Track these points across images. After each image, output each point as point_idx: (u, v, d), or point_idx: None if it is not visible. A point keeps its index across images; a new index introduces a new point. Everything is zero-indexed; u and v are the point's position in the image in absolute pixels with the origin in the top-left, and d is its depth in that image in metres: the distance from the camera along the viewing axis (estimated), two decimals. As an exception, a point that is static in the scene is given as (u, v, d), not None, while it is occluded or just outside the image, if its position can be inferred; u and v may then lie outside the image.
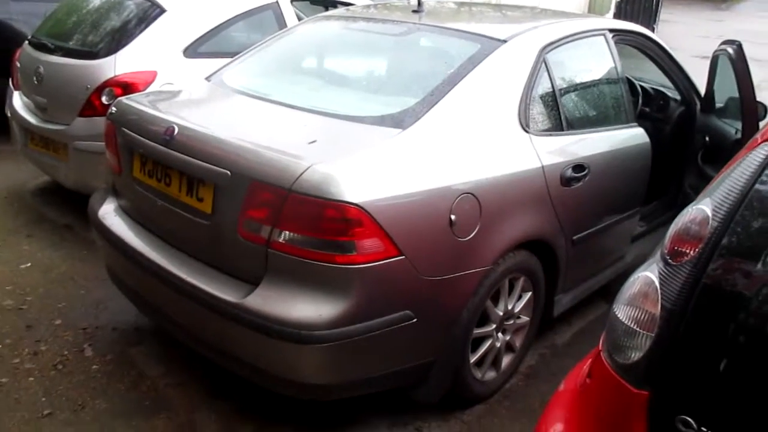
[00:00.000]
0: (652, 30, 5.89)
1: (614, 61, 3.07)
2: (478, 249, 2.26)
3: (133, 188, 2.52)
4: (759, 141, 1.51)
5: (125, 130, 2.50)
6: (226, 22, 4.13)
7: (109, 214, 2.65)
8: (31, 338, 2.86)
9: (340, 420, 2.46)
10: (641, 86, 3.96)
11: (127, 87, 3.62)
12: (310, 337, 1.97)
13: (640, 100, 3.87)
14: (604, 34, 3.08)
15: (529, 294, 2.65)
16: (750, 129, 3.25)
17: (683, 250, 1.36)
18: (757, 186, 1.37)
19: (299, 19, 4.40)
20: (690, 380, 1.29)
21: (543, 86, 2.65)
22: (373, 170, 2.07)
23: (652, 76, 3.96)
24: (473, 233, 2.22)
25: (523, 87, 2.54)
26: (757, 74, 3.77)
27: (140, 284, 2.53)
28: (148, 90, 3.57)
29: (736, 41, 3.36)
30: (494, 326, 2.51)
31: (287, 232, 2.00)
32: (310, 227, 1.97)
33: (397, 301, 2.10)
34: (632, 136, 3.09)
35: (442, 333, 2.27)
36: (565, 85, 2.81)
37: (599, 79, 3.11)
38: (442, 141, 2.27)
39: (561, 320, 3.12)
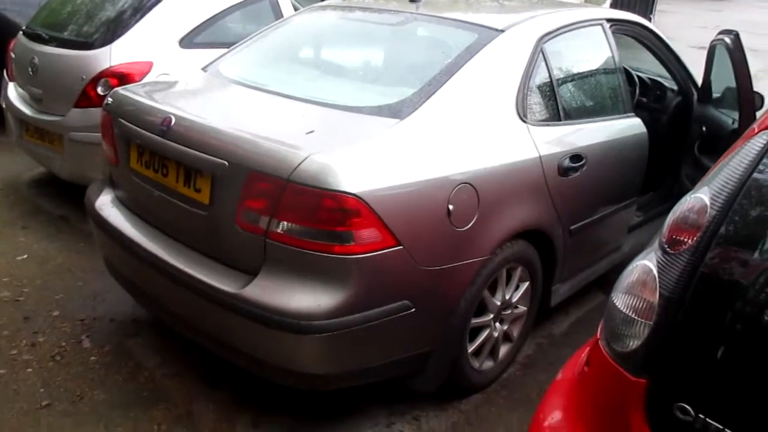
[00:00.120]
0: (649, 20, 5.88)
1: (612, 51, 3.07)
2: (475, 239, 2.26)
3: (130, 179, 2.51)
4: (756, 130, 1.51)
5: (122, 120, 2.49)
6: (222, 12, 4.11)
7: (106, 205, 2.64)
8: (29, 330, 2.86)
9: (339, 410, 2.47)
10: (638, 76, 3.96)
11: (122, 78, 3.61)
12: (308, 327, 1.97)
13: (638, 90, 3.87)
14: (601, 24, 3.07)
15: (527, 284, 2.65)
16: (747, 119, 3.25)
17: (681, 238, 1.37)
18: (755, 175, 1.37)
19: (295, 9, 4.38)
20: (688, 368, 1.29)
21: (540, 76, 2.65)
22: (371, 160, 2.06)
23: (650, 66, 3.96)
24: (471, 223, 2.22)
25: (520, 77, 2.54)
26: (755, 64, 3.77)
27: (138, 275, 2.53)
28: (145, 80, 3.55)
29: (734, 31, 3.35)
30: (492, 316, 2.52)
31: (285, 223, 2.00)
32: (308, 217, 1.97)
33: (396, 291, 2.10)
34: (629, 126, 3.09)
35: (440, 323, 2.28)
36: (562, 75, 2.81)
37: (597, 69, 3.10)
38: (439, 131, 2.27)
39: (558, 310, 3.13)
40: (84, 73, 3.70)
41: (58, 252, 3.56)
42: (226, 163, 2.09)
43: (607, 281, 3.25)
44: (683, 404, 1.25)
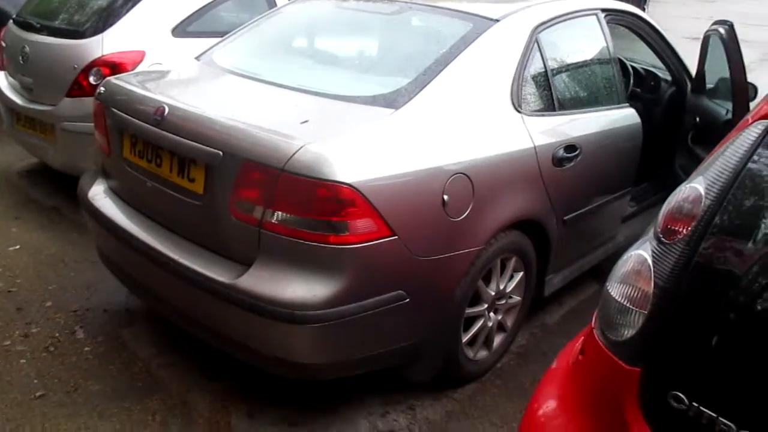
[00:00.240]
0: (643, 10, 5.86)
1: (606, 42, 3.06)
2: (470, 229, 2.26)
3: (123, 169, 2.50)
4: (750, 121, 1.52)
5: (115, 110, 2.47)
6: (215, 1, 4.08)
7: (99, 195, 2.63)
8: (22, 320, 2.85)
9: (333, 399, 2.48)
10: (632, 67, 3.96)
11: (115, 67, 3.58)
12: (303, 317, 1.97)
13: (632, 81, 3.87)
14: (596, 14, 3.06)
15: (521, 274, 2.66)
16: (741, 109, 3.26)
17: (676, 228, 1.37)
18: (750, 165, 1.38)
19: (289, -2, 4.35)
20: (682, 357, 1.30)
21: (535, 66, 2.64)
22: (365, 150, 2.06)
23: (644, 57, 3.96)
24: (466, 213, 2.22)
25: (515, 67, 2.53)
26: (748, 55, 3.77)
27: (131, 266, 2.52)
28: (137, 70, 3.53)
29: (728, 21, 3.35)
30: (486, 306, 2.53)
31: (280, 213, 1.99)
32: (303, 207, 1.97)
33: (390, 281, 2.11)
34: (624, 116, 3.09)
35: (434, 313, 2.28)
36: (557, 65, 2.80)
37: (591, 60, 3.10)
38: (434, 121, 2.27)
39: (552, 300, 3.14)
40: (76, 62, 3.67)
41: (51, 243, 3.54)
42: (221, 152, 2.08)
43: (600, 271, 3.27)
44: (677, 392, 1.26)
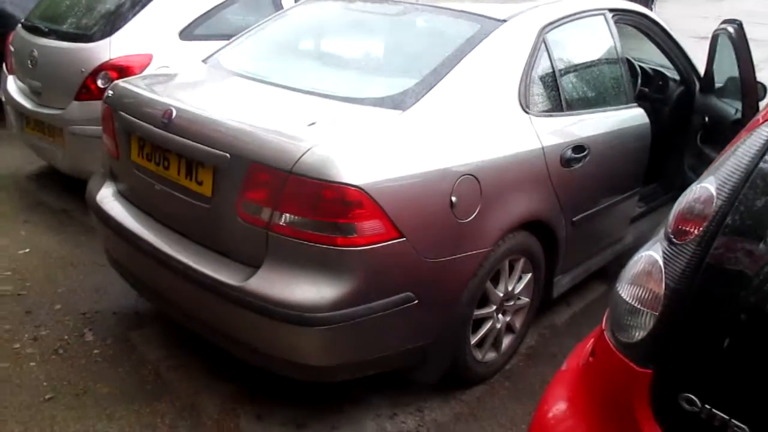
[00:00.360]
0: (650, 9, 5.84)
1: (614, 41, 3.05)
2: (478, 230, 2.25)
3: (132, 172, 2.50)
4: (761, 121, 1.50)
5: (122, 113, 2.48)
6: (222, 3, 4.09)
7: (107, 198, 2.63)
8: (32, 323, 2.86)
9: (342, 401, 2.47)
10: (640, 66, 3.94)
11: (122, 70, 3.59)
12: (312, 319, 1.97)
13: (640, 81, 3.86)
14: (603, 14, 3.05)
15: (529, 275, 2.65)
16: (750, 109, 3.24)
17: (687, 228, 1.36)
18: (761, 165, 1.36)
19: (295, 0, 4.35)
20: (693, 359, 1.29)
21: (543, 66, 2.63)
22: (373, 152, 2.06)
23: (652, 56, 3.94)
24: (474, 215, 2.21)
25: (522, 67, 2.52)
26: (757, 54, 3.75)
27: (140, 268, 2.52)
28: (145, 73, 3.54)
29: (737, 20, 3.33)
30: (494, 307, 2.52)
31: (287, 215, 1.99)
32: (311, 209, 1.96)
33: (398, 283, 2.10)
34: (632, 116, 3.08)
35: (442, 314, 2.27)
36: (564, 66, 2.79)
37: (599, 60, 3.09)
38: (442, 122, 2.26)
39: (560, 301, 3.13)
40: (84, 65, 3.69)
41: (60, 246, 3.56)
42: (228, 155, 2.08)
43: (609, 272, 3.25)
44: (689, 395, 1.25)
